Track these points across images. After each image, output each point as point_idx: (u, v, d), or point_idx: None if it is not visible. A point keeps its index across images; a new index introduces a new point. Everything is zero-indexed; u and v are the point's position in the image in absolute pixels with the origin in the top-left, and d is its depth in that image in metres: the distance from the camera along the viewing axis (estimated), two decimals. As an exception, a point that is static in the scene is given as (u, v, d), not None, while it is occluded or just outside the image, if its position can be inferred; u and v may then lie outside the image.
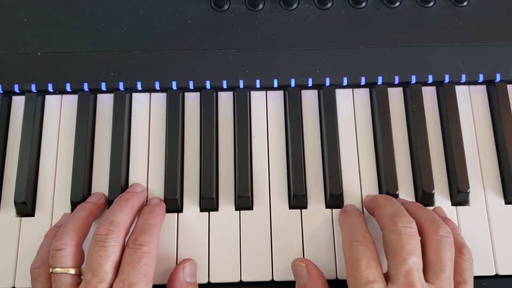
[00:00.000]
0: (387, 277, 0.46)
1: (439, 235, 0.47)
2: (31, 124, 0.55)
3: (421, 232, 0.48)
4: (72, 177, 0.54)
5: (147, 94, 0.58)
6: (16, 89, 0.56)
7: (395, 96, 0.57)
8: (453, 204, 0.54)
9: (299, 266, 0.50)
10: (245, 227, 0.53)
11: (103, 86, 0.56)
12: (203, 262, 0.52)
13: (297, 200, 0.53)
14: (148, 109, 0.57)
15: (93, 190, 0.55)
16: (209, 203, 0.53)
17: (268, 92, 0.58)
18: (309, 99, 0.57)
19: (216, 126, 0.56)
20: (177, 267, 0.50)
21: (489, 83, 0.57)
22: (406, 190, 0.54)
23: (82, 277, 0.47)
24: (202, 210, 0.54)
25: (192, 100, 0.58)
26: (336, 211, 0.53)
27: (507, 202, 0.54)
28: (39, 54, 0.57)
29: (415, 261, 0.45)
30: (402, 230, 0.46)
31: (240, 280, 0.52)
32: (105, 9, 0.58)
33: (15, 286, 0.51)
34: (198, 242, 0.52)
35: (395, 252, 0.45)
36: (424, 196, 0.53)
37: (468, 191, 0.53)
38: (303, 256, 0.52)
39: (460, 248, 0.48)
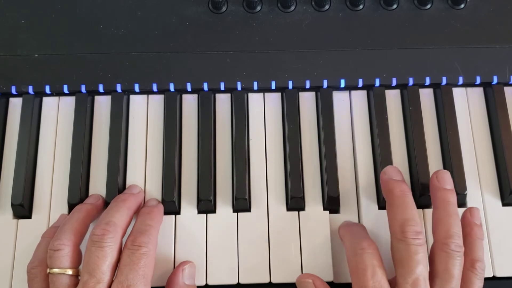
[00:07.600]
0: (393, 284, 0.46)
1: (450, 249, 0.46)
2: (28, 126, 0.55)
3: (434, 240, 0.48)
4: (69, 179, 0.54)
5: (145, 96, 0.58)
6: (13, 90, 0.56)
7: (393, 98, 0.58)
8: (450, 206, 0.54)
9: (306, 282, 0.50)
10: (243, 229, 0.53)
11: (101, 88, 0.56)
12: (201, 264, 0.52)
13: (295, 202, 0.53)
14: (145, 111, 0.57)
15: (90, 192, 0.54)
16: (206, 205, 0.53)
17: (266, 94, 0.58)
18: (307, 101, 0.57)
19: (214, 128, 0.56)
20: (176, 269, 0.50)
21: (486, 85, 0.58)
22: (403, 192, 0.55)
23: (79, 277, 0.46)
24: (199, 212, 0.54)
25: (189, 102, 0.57)
26: (334, 215, 0.53)
27: (504, 204, 0.54)
28: (36, 55, 0.57)
29: (422, 271, 0.45)
30: (411, 241, 0.46)
31: (238, 282, 0.51)
32: (102, 11, 0.58)
33: (12, 288, 0.51)
34: (196, 244, 0.52)
35: (402, 261, 0.46)
36: (422, 198, 0.53)
37: (466, 193, 0.53)
38: (301, 258, 0.52)
39: (473, 262, 0.48)
